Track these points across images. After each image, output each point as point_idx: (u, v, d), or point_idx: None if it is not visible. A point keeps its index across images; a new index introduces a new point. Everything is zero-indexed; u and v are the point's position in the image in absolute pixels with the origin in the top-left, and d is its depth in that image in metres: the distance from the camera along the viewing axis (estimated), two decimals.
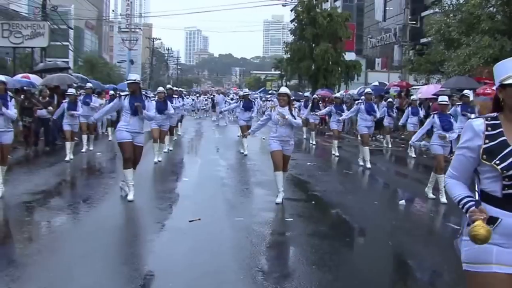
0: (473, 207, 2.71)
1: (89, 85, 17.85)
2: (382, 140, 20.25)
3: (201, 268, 5.67)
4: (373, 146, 16.39)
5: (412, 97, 17.74)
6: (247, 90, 19.22)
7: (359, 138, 15.14)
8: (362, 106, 14.03)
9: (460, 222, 3.02)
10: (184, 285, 5.24)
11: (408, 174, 14.54)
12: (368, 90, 15.67)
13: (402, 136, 21.27)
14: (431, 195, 9.74)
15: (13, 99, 9.29)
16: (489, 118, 2.81)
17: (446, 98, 10.50)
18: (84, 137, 15.57)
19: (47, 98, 16.91)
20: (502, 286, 2.73)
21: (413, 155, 16.32)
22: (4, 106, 8.73)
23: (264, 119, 9.46)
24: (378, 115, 14.82)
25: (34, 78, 21.61)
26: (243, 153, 15.67)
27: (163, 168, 12.75)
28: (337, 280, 5.49)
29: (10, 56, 35.08)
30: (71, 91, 14.73)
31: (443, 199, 9.24)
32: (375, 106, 15.02)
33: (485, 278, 2.73)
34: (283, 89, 9.58)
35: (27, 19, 39.68)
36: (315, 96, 22.90)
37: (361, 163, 13.87)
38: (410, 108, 17.17)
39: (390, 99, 20.78)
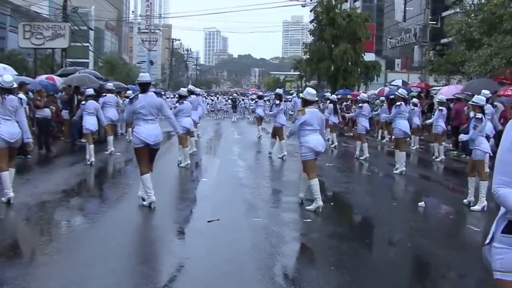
0: None
1: (109, 85, 17.30)
2: (409, 141, 19.50)
3: (219, 268, 5.68)
4: (392, 147, 16.22)
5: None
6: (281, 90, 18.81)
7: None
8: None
9: (489, 229, 2.84)
10: (202, 285, 5.25)
11: (429, 176, 14.38)
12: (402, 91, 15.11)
13: (422, 137, 21.02)
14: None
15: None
16: None
17: (479, 99, 9.30)
18: (110, 138, 15.31)
19: (45, 99, 16.08)
20: None
21: (443, 157, 15.80)
22: None
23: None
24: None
25: (56, 80, 21.73)
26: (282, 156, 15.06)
27: (182, 168, 12.77)
28: (356, 281, 5.47)
29: (31, 57, 35.53)
30: (89, 91, 14.05)
31: (476, 207, 8.87)
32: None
33: None
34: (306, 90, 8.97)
35: (48, 20, 40.27)
36: (333, 97, 22.65)
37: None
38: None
39: (415, 100, 20.10)
